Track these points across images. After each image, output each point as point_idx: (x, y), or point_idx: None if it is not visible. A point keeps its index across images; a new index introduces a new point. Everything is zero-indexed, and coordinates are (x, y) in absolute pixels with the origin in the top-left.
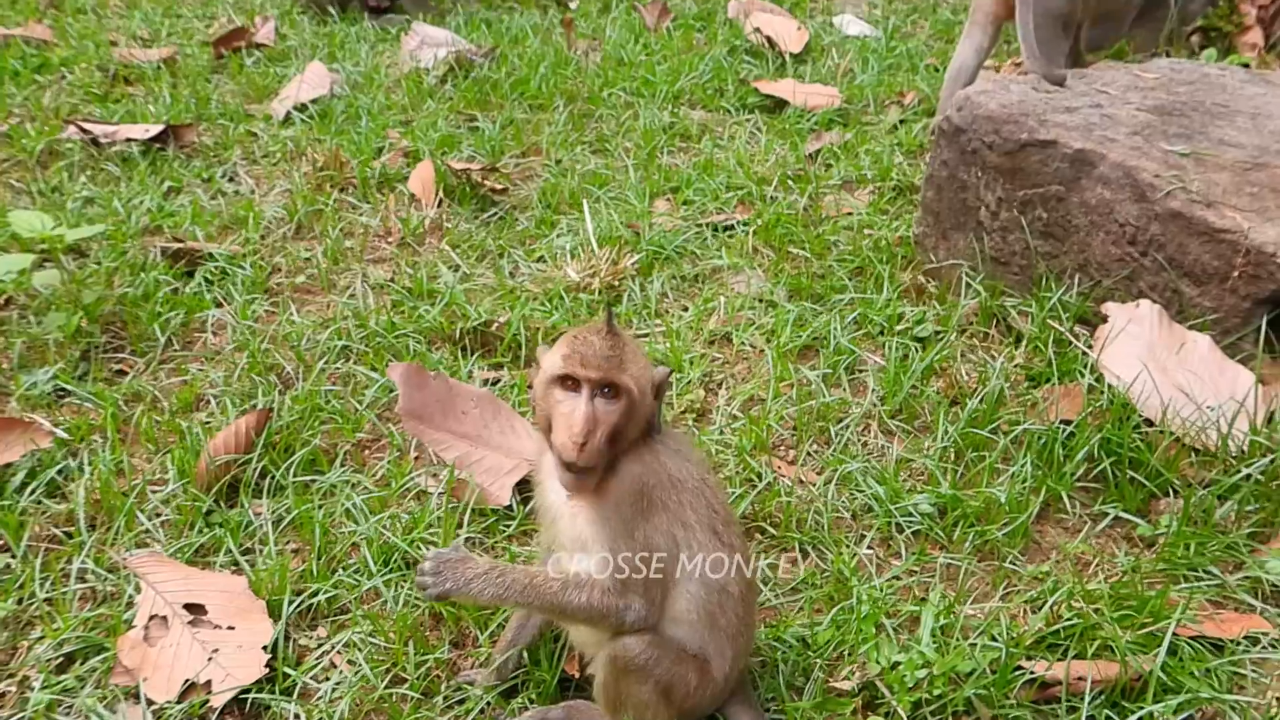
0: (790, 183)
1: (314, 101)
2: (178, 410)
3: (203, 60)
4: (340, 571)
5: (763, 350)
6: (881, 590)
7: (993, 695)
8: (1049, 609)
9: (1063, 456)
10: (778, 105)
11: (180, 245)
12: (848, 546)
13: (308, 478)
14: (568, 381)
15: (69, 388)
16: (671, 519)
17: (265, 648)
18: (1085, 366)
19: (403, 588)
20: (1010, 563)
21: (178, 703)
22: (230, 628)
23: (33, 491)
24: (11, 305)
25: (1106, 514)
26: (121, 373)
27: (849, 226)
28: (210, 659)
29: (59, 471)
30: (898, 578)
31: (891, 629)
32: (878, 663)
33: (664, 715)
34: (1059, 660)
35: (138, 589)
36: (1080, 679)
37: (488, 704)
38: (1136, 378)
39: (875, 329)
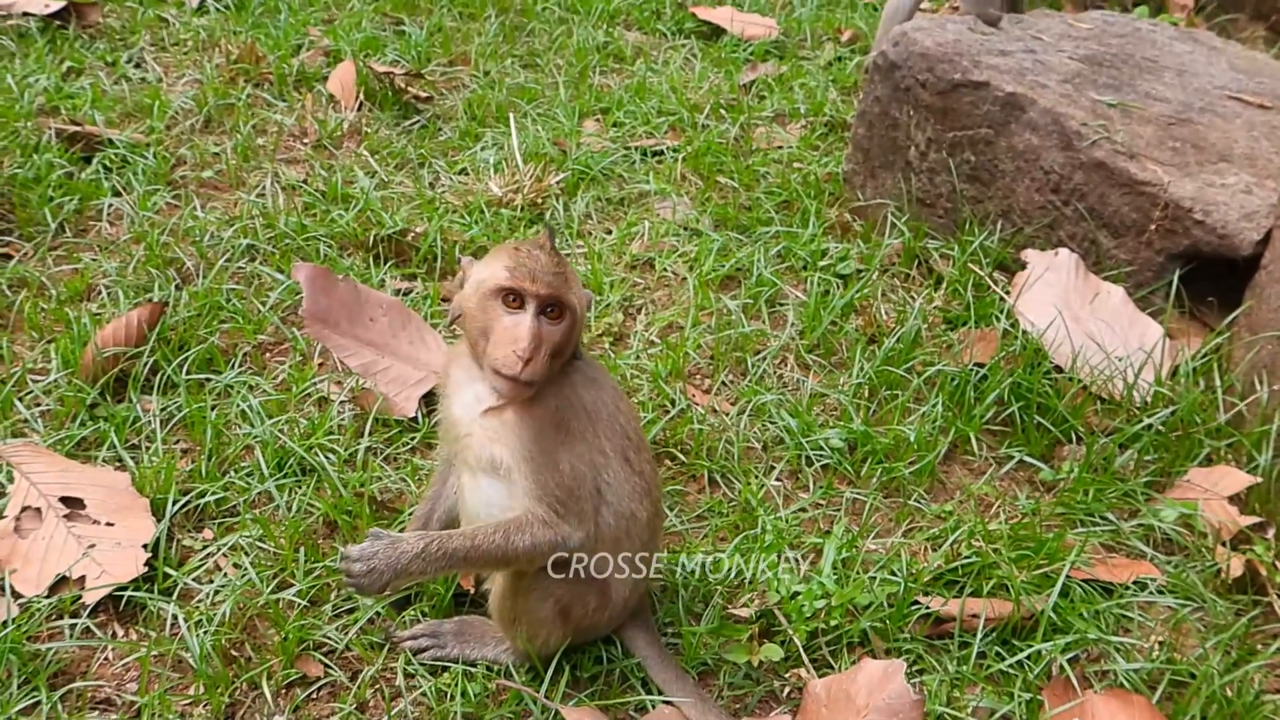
0: (723, 112)
1: None
2: (66, 299)
3: None
4: (231, 474)
5: (684, 278)
6: (787, 521)
7: (888, 628)
8: (949, 547)
9: (973, 399)
10: (714, 33)
11: (78, 129)
12: (756, 477)
13: (202, 376)
14: (511, 296)
15: None
16: (590, 448)
17: (146, 546)
18: (1002, 311)
19: (297, 493)
20: (915, 500)
21: (48, 597)
22: (109, 524)
23: None
24: None
25: (1012, 457)
26: (6, 257)
27: (779, 160)
28: (85, 554)
29: None
30: (804, 510)
31: (794, 560)
32: (777, 592)
33: (559, 634)
34: (955, 597)
35: (10, 478)
36: (974, 616)
37: (378, 614)
38: (1050, 324)
39: (799, 263)
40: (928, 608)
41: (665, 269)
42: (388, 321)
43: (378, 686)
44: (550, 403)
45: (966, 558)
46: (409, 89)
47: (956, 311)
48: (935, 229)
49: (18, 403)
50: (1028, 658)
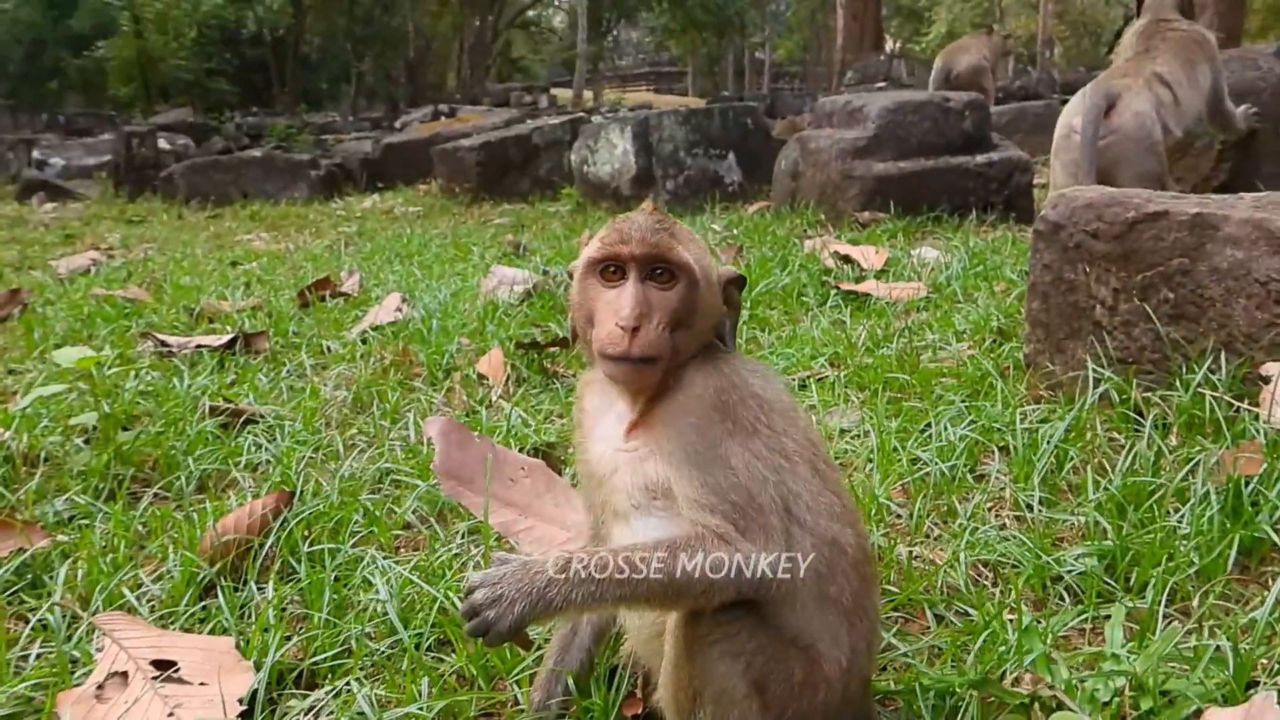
0: (882, 344)
1: (390, 324)
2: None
3: (286, 307)
4: (352, 627)
5: (868, 460)
6: (1045, 630)
7: None
8: None
9: (1252, 508)
10: (861, 300)
11: (230, 405)
12: (992, 602)
13: (326, 546)
14: (609, 268)
15: (82, 503)
16: (766, 445)
17: (241, 700)
18: (1259, 430)
19: (423, 647)
20: (1211, 601)
21: None
22: (203, 684)
23: (13, 590)
24: (49, 462)
25: None
26: (137, 496)
27: (952, 363)
28: (171, 714)
29: (49, 576)
30: (1062, 629)
31: (1063, 664)
32: (1052, 681)
33: None
34: None
35: (100, 649)
36: None
37: None
38: None
39: (992, 428)
40: None
41: (842, 451)
42: (530, 483)
43: None
44: (707, 384)
45: None
46: (556, 368)
47: (1192, 447)
48: (1145, 386)
49: (126, 591)
50: None
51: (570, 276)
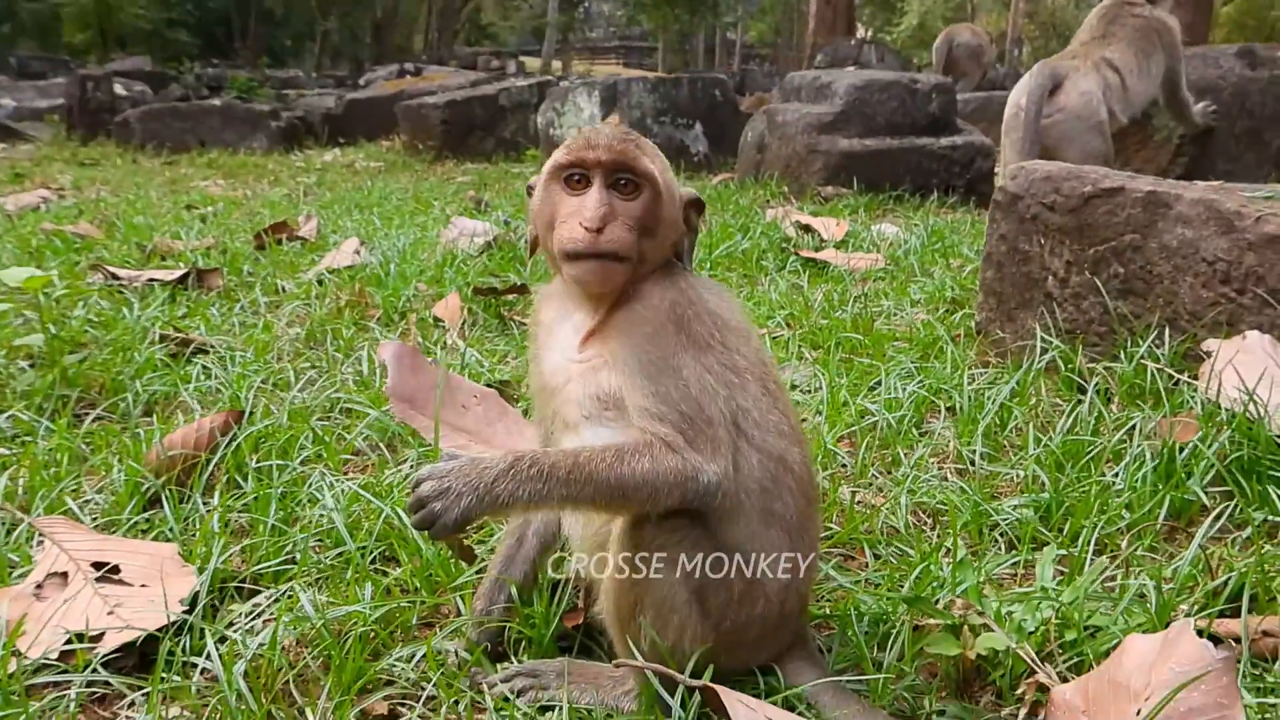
0: (838, 307)
1: (347, 268)
2: (145, 440)
3: (242, 248)
4: (298, 537)
5: (818, 412)
6: (978, 570)
7: None
8: (1209, 567)
9: (1184, 473)
10: (821, 267)
11: (181, 335)
12: (929, 543)
13: (275, 462)
14: (573, 176)
15: (25, 419)
16: (719, 361)
17: (183, 601)
18: (1195, 401)
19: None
20: (1139, 552)
21: (58, 659)
22: (144, 586)
23: None
24: None
25: (1255, 520)
26: (81, 418)
27: (905, 329)
28: (111, 613)
29: None
30: (994, 571)
31: (994, 597)
32: (982, 608)
33: (694, 629)
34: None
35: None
36: (1267, 634)
37: (464, 661)
38: (1259, 382)
39: (940, 386)
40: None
41: (793, 404)
42: (482, 411)
43: None
44: (664, 297)
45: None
46: (513, 315)
47: (1137, 416)
48: (1090, 356)
49: (69, 501)
50: None
51: (530, 194)
